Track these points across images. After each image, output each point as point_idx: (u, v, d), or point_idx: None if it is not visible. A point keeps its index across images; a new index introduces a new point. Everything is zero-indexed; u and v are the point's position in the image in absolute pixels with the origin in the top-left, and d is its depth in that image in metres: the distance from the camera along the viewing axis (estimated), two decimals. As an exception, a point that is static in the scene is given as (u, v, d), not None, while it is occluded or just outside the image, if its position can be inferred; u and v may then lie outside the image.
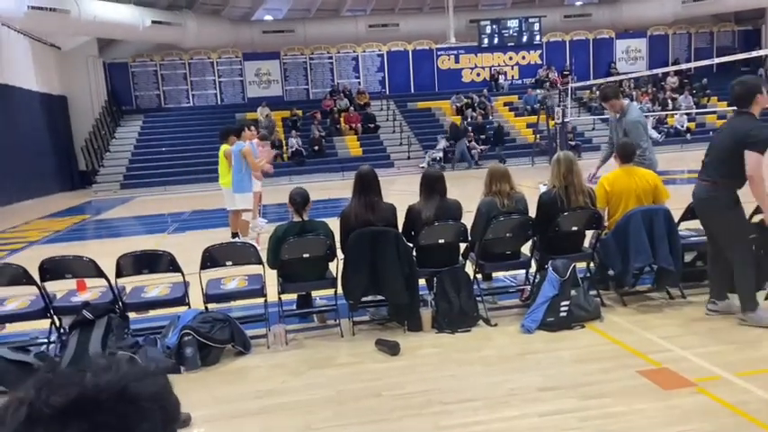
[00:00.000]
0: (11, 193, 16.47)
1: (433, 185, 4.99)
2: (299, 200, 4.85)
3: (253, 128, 8.94)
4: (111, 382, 0.77)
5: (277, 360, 4.32)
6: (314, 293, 5.22)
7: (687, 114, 22.68)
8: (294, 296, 5.14)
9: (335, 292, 4.82)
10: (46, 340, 4.57)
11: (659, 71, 22.00)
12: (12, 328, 4.71)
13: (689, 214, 5.21)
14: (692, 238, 5.36)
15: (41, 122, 19.29)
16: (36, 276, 4.45)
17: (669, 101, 23.72)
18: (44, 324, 4.61)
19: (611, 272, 5.21)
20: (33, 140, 18.39)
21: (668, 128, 22.53)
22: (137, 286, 4.91)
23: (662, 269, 4.90)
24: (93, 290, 4.77)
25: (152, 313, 4.88)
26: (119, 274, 4.58)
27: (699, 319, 4.58)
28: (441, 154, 20.28)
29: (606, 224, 5.12)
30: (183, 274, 4.61)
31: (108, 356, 0.87)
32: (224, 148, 8.55)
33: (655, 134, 20.49)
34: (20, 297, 4.66)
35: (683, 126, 22.53)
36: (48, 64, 20.53)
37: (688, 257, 5.29)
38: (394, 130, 22.57)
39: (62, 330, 4.54)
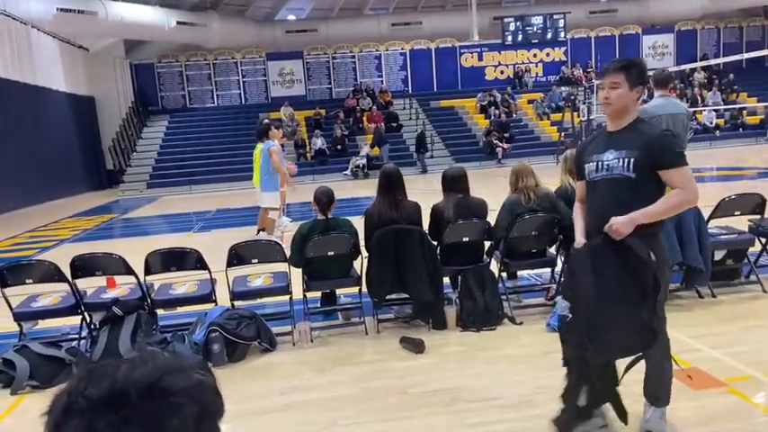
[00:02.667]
0: (41, 192, 16.81)
1: (452, 184, 4.98)
2: (325, 199, 4.88)
3: (280, 129, 8.97)
4: (143, 376, 0.77)
5: (302, 357, 4.35)
6: (338, 291, 5.24)
7: (715, 111, 22.29)
8: (319, 294, 5.17)
9: (360, 289, 4.84)
10: (77, 336, 4.66)
11: (687, 67, 21.64)
12: (44, 324, 4.81)
13: (719, 212, 5.14)
14: (721, 237, 5.27)
15: (70, 123, 19.65)
16: (67, 273, 4.53)
17: (698, 97, 23.33)
18: (75, 320, 4.70)
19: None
20: (62, 141, 18.74)
21: (696, 124, 22.16)
22: (164, 283, 4.98)
23: (691, 268, 4.83)
24: (123, 287, 4.85)
25: (180, 310, 4.94)
26: (147, 272, 4.65)
27: (729, 319, 4.50)
28: (364, 161, 19.86)
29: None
30: (209, 272, 4.66)
31: (147, 349, 0.89)
32: (259, 147, 8.63)
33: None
34: (51, 293, 4.76)
35: (711, 123, 22.14)
36: (76, 65, 20.90)
37: (718, 256, 5.20)
38: (417, 128, 22.54)
39: (92, 326, 4.62)
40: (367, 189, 15.73)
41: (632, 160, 2.72)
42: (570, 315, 2.88)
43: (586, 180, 2.91)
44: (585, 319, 2.76)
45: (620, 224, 2.69)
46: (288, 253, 4.84)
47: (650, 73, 5.83)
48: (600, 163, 2.82)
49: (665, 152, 2.74)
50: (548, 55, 25.57)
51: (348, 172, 19.71)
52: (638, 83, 2.78)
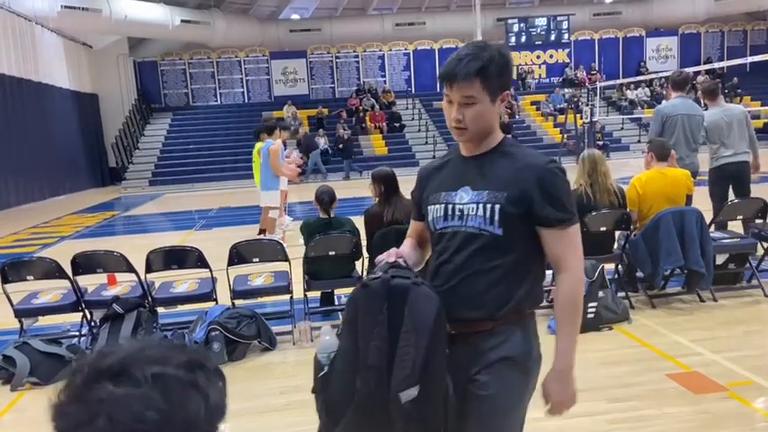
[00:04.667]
0: (44, 188, 16.84)
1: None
2: (326, 198, 4.89)
3: (286, 130, 9.00)
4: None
5: (302, 356, 4.34)
6: (338, 291, 5.24)
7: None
8: (319, 293, 5.17)
9: (361, 290, 4.82)
10: (77, 333, 4.67)
11: (691, 70, 21.58)
12: (44, 320, 4.81)
13: (721, 216, 5.13)
14: (723, 240, 5.25)
15: (73, 120, 19.68)
16: (68, 270, 4.54)
17: (701, 100, 23.30)
18: (76, 317, 4.70)
19: (640, 273, 5.13)
20: (65, 138, 18.77)
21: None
22: (165, 282, 4.98)
23: (692, 271, 4.82)
24: (124, 284, 4.85)
25: (180, 308, 4.94)
26: (148, 270, 4.65)
27: (730, 323, 4.49)
28: (293, 166, 19.53)
29: (636, 225, 5.04)
30: (210, 271, 4.66)
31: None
32: (258, 146, 8.63)
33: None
34: (52, 290, 4.76)
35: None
36: (79, 62, 20.93)
37: (720, 260, 5.19)
38: (419, 128, 22.53)
39: (93, 324, 4.63)
40: (296, 194, 15.60)
41: (498, 207, 1.74)
42: (326, 363, 2.04)
43: (431, 230, 1.90)
44: (337, 389, 1.96)
45: (567, 398, 1.87)
46: (289, 253, 4.84)
47: (656, 75, 5.80)
48: (450, 207, 1.83)
49: (552, 198, 1.73)
50: (551, 57, 25.55)
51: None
52: (500, 89, 1.77)
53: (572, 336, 1.81)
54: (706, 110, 6.04)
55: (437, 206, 1.87)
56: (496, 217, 1.75)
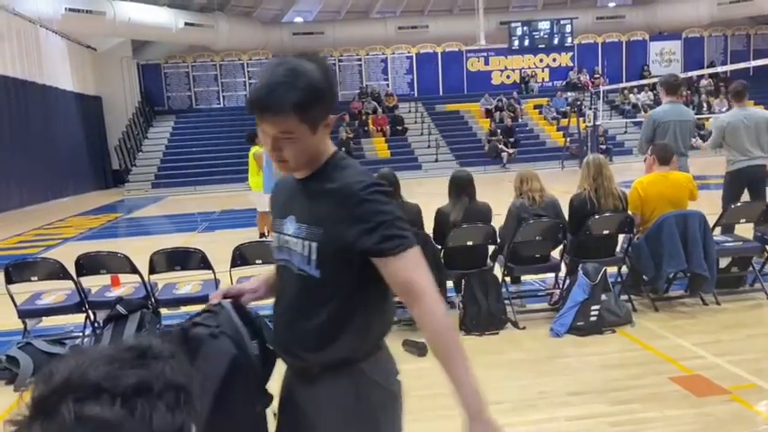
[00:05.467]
0: (47, 190, 16.89)
1: (461, 188, 4.98)
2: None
3: None
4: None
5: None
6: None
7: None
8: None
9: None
10: (80, 334, 4.68)
11: (694, 74, 21.60)
12: (48, 321, 4.83)
13: (724, 219, 5.12)
14: (726, 244, 5.25)
15: (77, 122, 19.74)
16: (72, 271, 4.55)
17: (704, 104, 23.27)
18: (79, 318, 4.71)
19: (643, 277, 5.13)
20: (69, 140, 18.83)
21: (701, 132, 22.11)
22: (168, 283, 4.99)
23: (695, 275, 4.82)
24: (127, 285, 4.86)
25: (183, 309, 4.95)
26: (151, 271, 4.66)
27: (733, 326, 4.49)
28: None
29: (639, 228, 5.04)
30: (213, 272, 4.67)
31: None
32: (254, 150, 8.65)
33: (695, 140, 20.11)
34: (56, 291, 4.77)
35: (717, 130, 22.09)
36: (83, 65, 21.00)
37: (723, 263, 5.19)
38: (422, 132, 22.55)
39: (96, 324, 4.64)
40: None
41: (315, 246, 1.54)
42: None
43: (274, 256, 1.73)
44: None
45: None
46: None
47: (656, 79, 5.83)
48: (280, 237, 1.67)
49: (374, 226, 1.49)
50: (554, 60, 25.56)
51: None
52: (323, 115, 1.55)
53: (462, 366, 1.53)
54: (727, 110, 6.06)
55: (274, 234, 1.71)
56: (313, 256, 1.55)
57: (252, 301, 1.78)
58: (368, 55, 25.03)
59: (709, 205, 5.37)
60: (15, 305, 4.56)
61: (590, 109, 19.56)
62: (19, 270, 4.62)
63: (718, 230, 5.15)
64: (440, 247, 4.86)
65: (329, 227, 1.53)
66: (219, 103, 24.43)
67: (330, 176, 1.57)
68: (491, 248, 5.13)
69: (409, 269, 1.51)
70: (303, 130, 1.50)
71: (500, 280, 4.94)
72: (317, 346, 1.59)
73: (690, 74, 21.32)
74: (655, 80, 22.30)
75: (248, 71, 24.47)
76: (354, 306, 1.57)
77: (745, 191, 6.04)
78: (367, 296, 1.58)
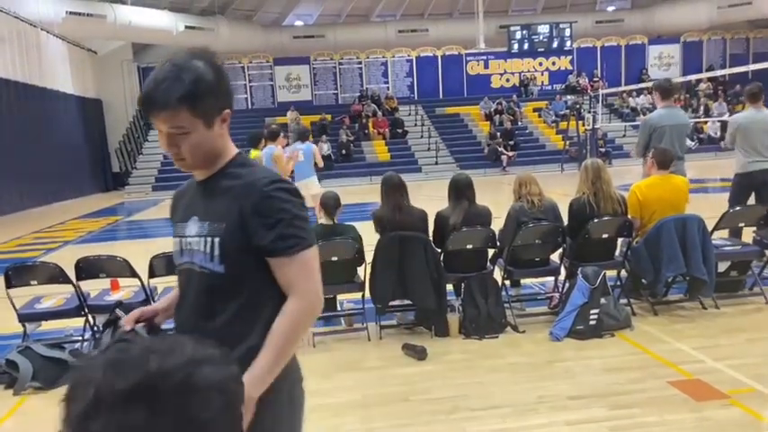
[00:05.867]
0: (48, 193, 16.89)
1: (461, 191, 4.99)
2: (332, 203, 4.92)
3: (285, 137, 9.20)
4: (176, 368, 0.77)
5: (304, 362, 4.31)
6: (341, 297, 5.25)
7: (720, 121, 22.26)
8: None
9: (363, 295, 4.84)
10: (80, 338, 4.68)
11: (693, 77, 21.64)
12: (47, 325, 4.83)
13: (723, 223, 5.13)
14: (725, 248, 5.25)
15: (77, 125, 19.75)
16: (71, 275, 4.55)
17: (702, 107, 23.31)
18: (78, 322, 4.71)
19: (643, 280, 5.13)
20: (69, 143, 18.84)
21: (700, 135, 22.13)
22: (168, 286, 4.99)
23: (695, 279, 4.82)
24: (126, 289, 4.86)
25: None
26: (151, 275, 4.66)
27: (732, 330, 4.49)
28: None
29: (638, 232, 5.05)
30: (213, 276, 4.67)
31: (171, 337, 0.88)
32: (254, 154, 8.67)
33: (688, 142, 20.14)
34: (56, 295, 4.78)
35: (716, 133, 22.11)
36: (84, 68, 21.02)
37: (722, 267, 5.19)
38: (422, 135, 22.57)
39: (96, 328, 4.64)
40: None
41: (217, 241, 1.54)
42: None
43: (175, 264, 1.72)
44: None
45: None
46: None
47: (652, 83, 5.84)
48: (183, 241, 1.66)
49: (272, 223, 1.51)
50: (554, 64, 25.60)
51: None
52: (216, 109, 1.55)
53: (273, 364, 1.48)
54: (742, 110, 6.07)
55: (175, 239, 1.70)
56: (216, 252, 1.53)
57: (165, 321, 1.73)
58: (368, 58, 25.08)
59: (708, 209, 5.37)
60: (15, 309, 4.56)
61: (589, 112, 19.58)
62: (19, 274, 4.62)
63: (723, 233, 5.15)
64: (439, 250, 4.86)
65: (232, 221, 1.52)
66: (219, 107, 24.45)
67: (234, 174, 1.59)
68: (491, 252, 5.14)
69: (296, 271, 1.51)
70: (196, 124, 1.51)
71: (500, 283, 4.94)
72: (226, 344, 1.46)
73: (689, 77, 21.37)
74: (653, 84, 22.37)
75: (249, 74, 24.51)
76: (262, 301, 1.54)
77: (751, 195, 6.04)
78: (274, 291, 1.54)
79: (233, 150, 1.64)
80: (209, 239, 1.56)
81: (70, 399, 0.77)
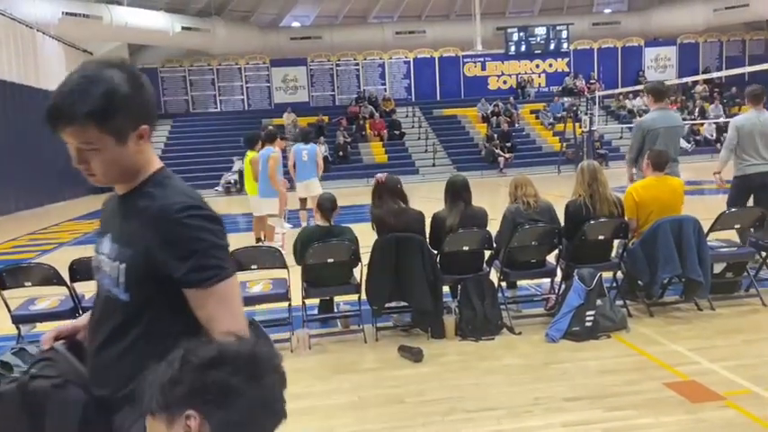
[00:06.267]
0: (42, 195, 16.84)
1: (458, 193, 4.99)
2: (328, 205, 4.91)
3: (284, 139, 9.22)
4: (244, 344, 1.12)
5: (300, 364, 4.34)
6: (337, 298, 5.24)
7: (716, 123, 22.32)
8: (317, 301, 5.17)
9: (359, 297, 4.84)
10: (75, 339, 4.65)
11: (689, 80, 21.69)
12: (42, 327, 4.80)
13: (718, 225, 5.13)
14: (721, 249, 5.26)
15: (73, 126, 19.68)
16: (66, 277, 4.53)
17: (698, 110, 23.37)
18: (73, 323, 4.69)
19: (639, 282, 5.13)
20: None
21: (696, 137, 22.19)
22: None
23: (690, 280, 4.82)
24: (122, 291, 4.84)
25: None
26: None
27: (728, 332, 4.49)
28: (236, 176, 18.89)
29: (634, 234, 5.05)
30: (209, 277, 4.65)
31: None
32: (250, 155, 8.66)
33: (685, 144, 20.18)
34: (50, 297, 4.75)
35: (712, 135, 22.17)
36: (80, 69, 20.97)
37: (717, 269, 5.19)
38: (419, 137, 22.59)
39: (91, 330, 4.61)
40: (240, 205, 15.67)
41: (123, 267, 1.45)
42: None
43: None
44: None
45: None
46: (288, 259, 4.84)
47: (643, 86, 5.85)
48: (97, 257, 1.59)
49: (184, 253, 1.40)
50: (550, 65, 25.64)
51: (220, 188, 18.98)
52: (131, 125, 1.43)
53: None
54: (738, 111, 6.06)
55: (94, 252, 1.61)
56: (122, 279, 1.44)
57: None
58: (365, 60, 25.08)
59: (703, 210, 5.38)
60: (9, 310, 4.54)
61: (586, 114, 19.62)
62: (13, 275, 4.60)
63: (712, 236, 5.15)
64: (436, 252, 4.86)
65: (139, 248, 1.41)
66: (216, 108, 24.43)
67: (149, 194, 1.47)
68: (487, 253, 5.14)
69: (213, 305, 1.40)
70: (106, 140, 1.40)
71: (496, 285, 4.94)
72: (121, 374, 1.45)
73: (685, 80, 21.41)
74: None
75: (245, 76, 24.50)
76: (164, 335, 1.41)
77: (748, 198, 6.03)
78: (179, 325, 1.42)
79: (154, 165, 1.52)
80: (116, 264, 1.46)
81: (153, 381, 1.11)
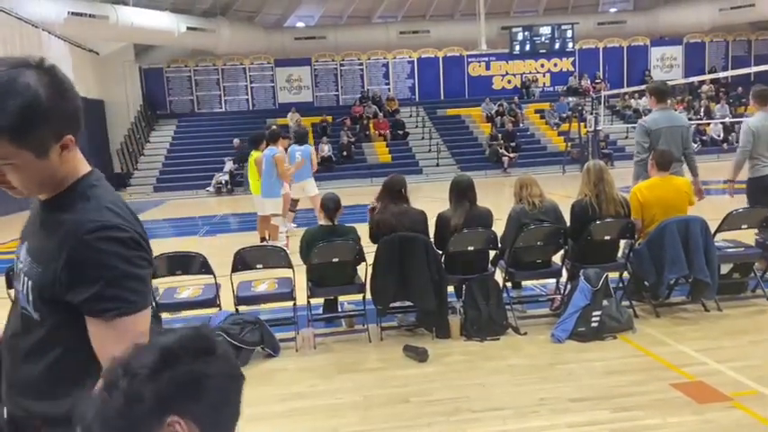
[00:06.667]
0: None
1: (462, 193, 4.98)
2: (332, 205, 4.91)
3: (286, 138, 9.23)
4: (176, 333, 1.03)
5: (305, 363, 4.34)
6: (342, 298, 5.24)
7: (723, 123, 22.24)
8: (322, 300, 5.17)
9: (364, 296, 4.83)
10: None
11: (695, 79, 21.61)
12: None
13: (726, 225, 5.11)
14: (728, 250, 5.24)
15: (79, 126, 19.74)
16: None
17: (704, 109, 23.28)
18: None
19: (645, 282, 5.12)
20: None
21: (703, 137, 22.11)
22: (169, 287, 4.99)
23: (697, 281, 4.80)
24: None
25: (184, 314, 4.95)
26: (153, 275, 4.65)
27: (735, 333, 4.47)
28: (227, 177, 19.19)
29: (641, 234, 5.03)
30: (214, 276, 4.67)
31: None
32: (255, 155, 8.67)
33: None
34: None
35: (719, 135, 22.08)
36: (85, 68, 21.03)
37: (724, 269, 5.17)
38: (423, 136, 22.56)
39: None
40: (229, 206, 15.69)
41: (31, 284, 1.33)
42: None
43: None
44: None
45: None
46: (293, 259, 4.85)
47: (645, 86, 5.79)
48: (16, 264, 1.47)
49: (88, 278, 1.26)
50: (555, 65, 25.57)
51: (211, 188, 19.05)
52: (49, 137, 1.28)
53: None
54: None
55: (15, 258, 1.47)
56: (31, 296, 1.32)
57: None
58: (369, 59, 25.07)
59: (710, 211, 5.35)
60: (16, 309, 4.55)
61: (591, 114, 19.56)
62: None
63: (719, 236, 5.12)
64: (441, 252, 4.85)
65: (47, 267, 1.29)
66: (221, 108, 24.46)
67: (69, 206, 1.32)
68: (492, 253, 5.13)
69: (112, 342, 1.21)
70: (24, 155, 1.24)
71: (501, 285, 4.93)
72: (38, 396, 1.33)
73: (691, 79, 21.34)
74: (656, 85, 22.31)
75: (250, 75, 24.51)
76: (80, 357, 1.28)
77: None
78: (94, 354, 1.28)
79: (81, 171, 1.39)
80: (26, 279, 1.34)
81: (96, 416, 0.96)
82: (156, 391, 0.94)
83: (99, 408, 0.95)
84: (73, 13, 17.87)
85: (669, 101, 6.05)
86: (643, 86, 22.04)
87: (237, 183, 19.22)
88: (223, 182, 19.30)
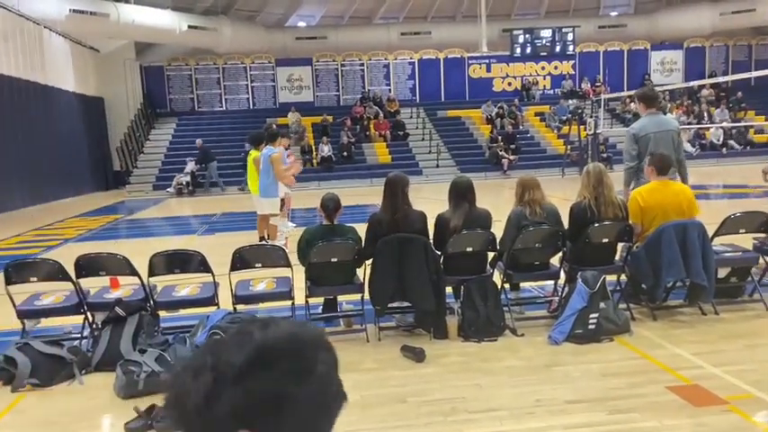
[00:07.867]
0: (48, 191, 16.89)
1: (462, 194, 4.99)
2: (332, 205, 4.92)
3: (287, 137, 9.15)
4: (280, 332, 0.88)
5: (303, 363, 4.34)
6: (341, 298, 5.25)
7: (722, 128, 22.25)
8: (321, 299, 5.18)
9: (362, 296, 4.84)
10: (79, 335, 4.68)
11: (695, 83, 21.64)
12: (46, 322, 4.83)
13: (723, 229, 5.12)
14: (726, 254, 5.25)
15: (79, 123, 19.76)
16: (71, 272, 4.55)
17: (705, 114, 23.30)
18: (77, 319, 4.71)
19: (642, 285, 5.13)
20: (71, 141, 18.84)
21: (702, 141, 22.13)
22: (168, 285, 4.99)
23: (694, 284, 4.82)
24: (126, 287, 4.86)
25: (182, 312, 4.95)
26: (151, 273, 4.66)
27: (732, 337, 4.49)
28: (188, 178, 19.08)
29: (639, 237, 5.04)
30: (213, 275, 4.68)
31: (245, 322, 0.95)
32: (254, 154, 8.67)
33: (689, 148, 20.13)
34: (55, 292, 4.77)
35: (718, 140, 22.10)
36: (86, 66, 21.03)
37: (722, 273, 5.19)
38: (423, 137, 22.57)
39: (95, 326, 4.64)
40: (191, 207, 15.65)
41: None
42: None
43: None
44: None
45: None
46: (291, 258, 4.86)
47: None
48: None
49: None
50: (556, 68, 25.60)
51: (171, 189, 18.96)
52: None
53: None
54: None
55: None
56: None
57: None
58: (370, 60, 25.09)
59: (708, 215, 5.36)
60: (14, 305, 4.56)
61: (591, 117, 19.58)
62: (18, 270, 4.62)
63: (716, 240, 5.14)
64: (439, 252, 4.86)
65: None
66: (222, 106, 24.47)
67: None
68: (490, 255, 5.14)
69: None
70: None
71: (499, 287, 4.94)
72: None
73: (691, 83, 21.36)
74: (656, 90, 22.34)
75: (251, 74, 24.53)
76: None
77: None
78: None
79: None
80: None
81: (177, 398, 0.84)
82: (232, 399, 0.84)
83: (180, 391, 0.86)
84: (74, 11, 17.89)
85: (665, 104, 6.05)
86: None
87: (198, 184, 19.10)
88: (184, 183, 19.13)
